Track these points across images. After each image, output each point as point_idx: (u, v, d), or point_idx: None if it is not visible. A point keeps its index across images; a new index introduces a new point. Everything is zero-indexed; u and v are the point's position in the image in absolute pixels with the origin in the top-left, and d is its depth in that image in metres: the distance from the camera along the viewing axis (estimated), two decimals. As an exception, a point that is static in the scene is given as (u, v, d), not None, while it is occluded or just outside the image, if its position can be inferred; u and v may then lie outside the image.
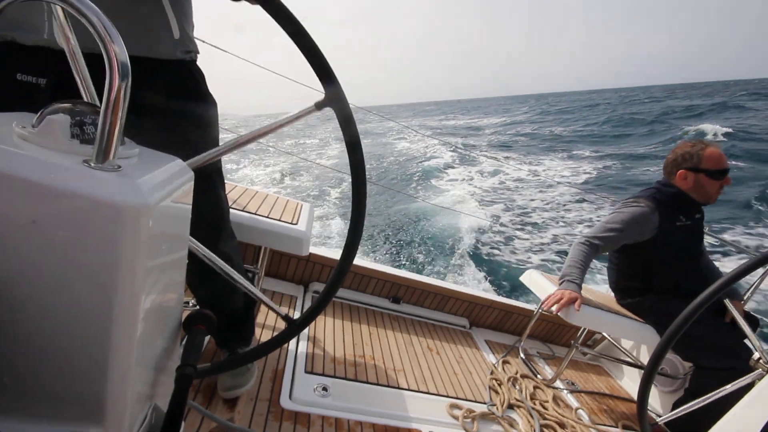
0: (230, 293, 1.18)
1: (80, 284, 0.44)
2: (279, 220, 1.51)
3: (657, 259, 1.83)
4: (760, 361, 1.29)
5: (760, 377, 1.24)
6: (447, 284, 2.30)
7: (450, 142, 18.07)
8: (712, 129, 15.81)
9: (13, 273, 0.42)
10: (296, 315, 1.84)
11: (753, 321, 1.82)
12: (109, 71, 0.43)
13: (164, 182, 0.51)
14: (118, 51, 0.44)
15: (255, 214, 1.50)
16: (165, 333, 0.59)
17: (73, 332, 0.45)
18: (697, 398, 1.51)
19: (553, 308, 1.70)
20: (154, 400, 0.60)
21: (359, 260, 2.16)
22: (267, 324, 1.68)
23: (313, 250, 2.02)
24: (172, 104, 0.94)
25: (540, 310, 2.13)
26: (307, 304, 1.93)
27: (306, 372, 1.48)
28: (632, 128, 20.68)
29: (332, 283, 0.78)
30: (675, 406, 1.82)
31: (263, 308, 1.74)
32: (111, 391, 0.48)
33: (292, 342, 1.64)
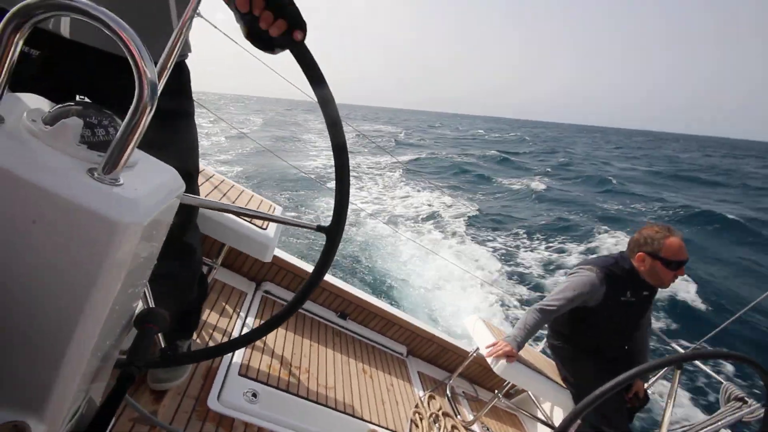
0: (187, 286, 1.18)
1: (57, 282, 0.46)
2: (249, 221, 1.52)
3: (591, 323, 1.96)
4: None
5: None
6: (393, 310, 2.37)
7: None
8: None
9: None
10: (242, 313, 1.84)
11: (644, 400, 2.03)
12: (138, 90, 0.46)
13: (159, 200, 0.55)
14: (149, 72, 0.47)
15: (224, 210, 1.50)
16: (119, 329, 0.60)
17: (36, 324, 0.47)
18: None
19: (489, 356, 1.83)
20: (89, 393, 0.61)
21: (311, 266, 2.18)
22: (208, 321, 1.67)
23: None
24: (166, 103, 0.95)
25: (474, 354, 2.24)
26: (256, 304, 1.93)
27: (239, 374, 1.48)
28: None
29: (300, 296, 0.79)
30: None
31: (209, 303, 1.73)
32: (59, 383, 0.50)
33: None
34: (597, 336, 1.98)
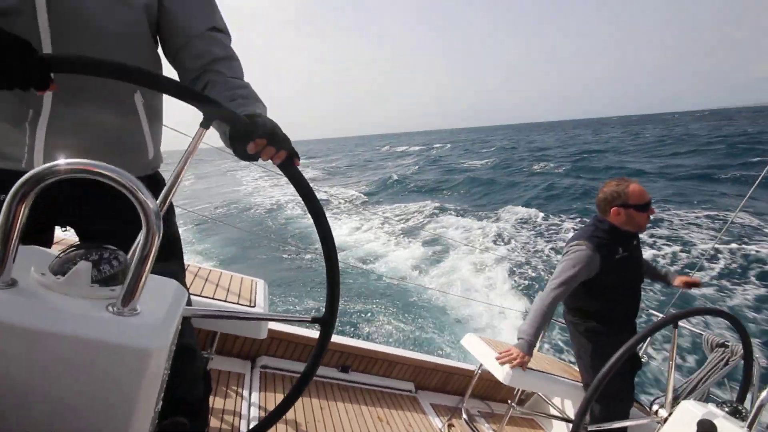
0: (194, 386, 1.19)
1: (101, 417, 0.51)
2: (237, 303, 1.54)
3: (602, 289, 2.02)
4: (658, 412, 1.57)
5: (656, 426, 1.50)
6: (393, 350, 2.40)
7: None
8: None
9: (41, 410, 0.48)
10: (245, 392, 1.81)
11: (637, 363, 2.16)
12: (145, 223, 0.52)
13: (174, 318, 0.61)
14: (151, 204, 0.53)
15: (212, 298, 1.52)
16: None
17: None
18: None
19: (504, 364, 1.90)
20: None
21: (308, 332, 2.20)
22: (215, 409, 1.64)
23: None
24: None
25: (479, 371, 2.31)
26: (255, 382, 1.91)
27: None
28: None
29: (310, 368, 0.83)
30: None
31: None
32: None
33: (243, 425, 1.61)
34: (612, 298, 2.04)
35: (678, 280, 2.27)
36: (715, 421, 1.30)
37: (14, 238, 0.50)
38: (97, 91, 0.85)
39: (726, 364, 2.33)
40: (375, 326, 5.88)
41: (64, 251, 0.59)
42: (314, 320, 0.80)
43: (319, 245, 0.78)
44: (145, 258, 0.53)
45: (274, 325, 2.06)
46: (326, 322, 0.79)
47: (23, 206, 0.50)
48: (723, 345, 2.32)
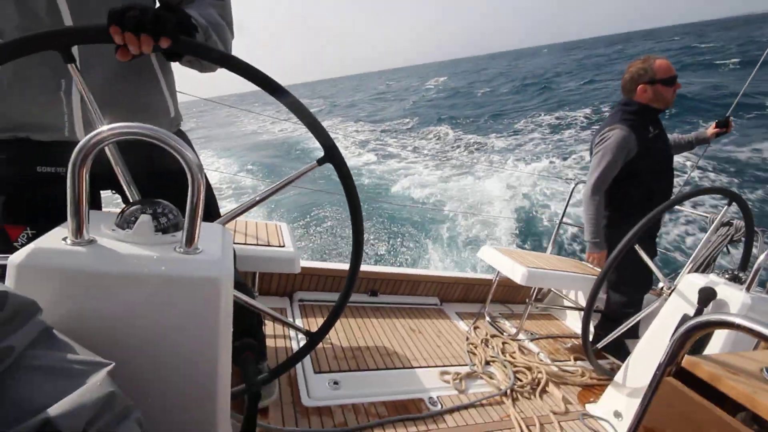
0: (246, 316, 1.34)
1: (194, 341, 0.63)
2: (268, 245, 1.66)
3: (639, 173, 2.00)
4: (664, 289, 1.72)
5: (663, 303, 1.66)
6: (416, 270, 2.58)
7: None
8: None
9: (145, 344, 0.59)
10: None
11: (653, 252, 2.29)
12: (190, 175, 0.60)
13: (228, 250, 0.71)
14: (192, 156, 0.60)
15: (244, 244, 1.65)
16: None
17: (191, 376, 0.63)
18: (610, 320, 1.99)
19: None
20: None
21: (337, 264, 2.37)
22: (267, 344, 1.85)
23: None
24: (176, 169, 1.08)
25: (497, 279, 2.49)
26: (296, 313, 2.11)
27: (315, 372, 1.68)
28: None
29: (344, 296, 0.99)
30: (596, 327, 2.23)
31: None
32: (219, 416, 0.68)
33: (294, 346, 1.82)
34: (649, 181, 2.03)
35: (710, 132, 2.24)
36: (716, 288, 1.44)
37: (84, 202, 0.57)
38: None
39: (731, 241, 2.46)
40: (398, 251, 6.18)
41: (124, 210, 0.67)
42: None
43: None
44: (196, 204, 0.61)
45: (305, 263, 2.22)
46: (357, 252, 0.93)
47: (84, 172, 0.56)
48: (728, 224, 2.43)
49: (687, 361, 0.71)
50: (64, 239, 0.58)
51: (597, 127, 2.19)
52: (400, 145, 14.28)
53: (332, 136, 0.87)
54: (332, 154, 0.88)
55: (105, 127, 0.56)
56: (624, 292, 2.16)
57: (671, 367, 0.73)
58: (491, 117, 16.62)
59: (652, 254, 2.27)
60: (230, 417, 0.73)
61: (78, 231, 0.57)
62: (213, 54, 0.76)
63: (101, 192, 1.08)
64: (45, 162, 0.95)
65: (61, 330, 0.47)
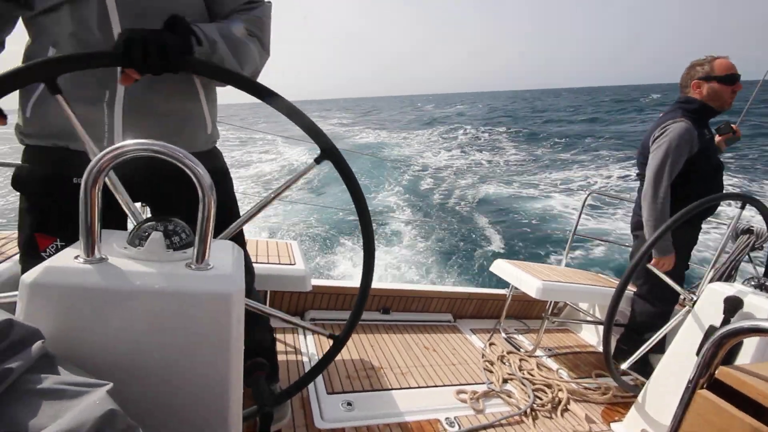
0: (263, 333, 1.33)
1: (206, 355, 0.61)
2: (279, 264, 1.66)
3: (693, 172, 1.88)
4: (685, 300, 1.66)
5: (687, 314, 1.60)
6: (428, 286, 2.55)
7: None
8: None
9: (154, 360, 0.57)
10: (300, 339, 1.99)
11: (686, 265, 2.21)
12: (201, 192, 0.59)
13: (239, 266, 0.70)
14: (202, 172, 0.60)
15: (255, 262, 1.64)
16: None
17: (202, 387, 0.62)
18: (636, 333, 1.91)
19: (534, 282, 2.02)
20: None
21: (347, 283, 2.35)
22: (279, 363, 1.82)
23: None
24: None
25: (511, 293, 2.43)
26: (309, 334, 2.08)
27: (328, 393, 1.64)
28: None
29: (360, 302, 0.97)
30: (619, 341, 2.14)
31: None
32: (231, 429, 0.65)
33: (304, 365, 1.79)
34: (702, 184, 1.91)
35: (717, 141, 2.10)
36: (742, 297, 1.38)
37: (96, 221, 0.57)
38: None
39: (752, 249, 2.38)
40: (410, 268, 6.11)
41: (136, 227, 0.67)
42: None
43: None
44: (206, 220, 0.61)
45: (316, 281, 2.21)
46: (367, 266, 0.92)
47: (96, 191, 0.56)
48: (748, 231, 2.36)
49: (721, 371, 0.67)
50: (77, 257, 0.57)
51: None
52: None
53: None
54: (331, 153, 0.87)
55: (115, 146, 0.56)
56: (656, 305, 2.08)
57: (704, 379, 0.69)
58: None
59: (686, 267, 2.13)
60: None
61: (90, 249, 0.57)
62: (277, 103, 0.81)
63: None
64: (82, 173, 0.95)
65: (72, 348, 0.46)
